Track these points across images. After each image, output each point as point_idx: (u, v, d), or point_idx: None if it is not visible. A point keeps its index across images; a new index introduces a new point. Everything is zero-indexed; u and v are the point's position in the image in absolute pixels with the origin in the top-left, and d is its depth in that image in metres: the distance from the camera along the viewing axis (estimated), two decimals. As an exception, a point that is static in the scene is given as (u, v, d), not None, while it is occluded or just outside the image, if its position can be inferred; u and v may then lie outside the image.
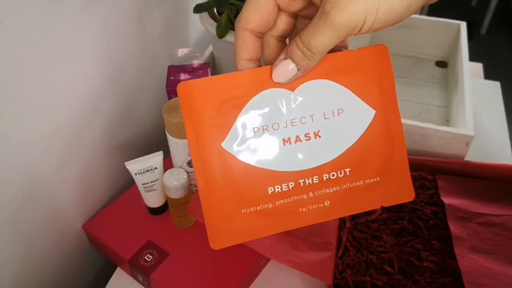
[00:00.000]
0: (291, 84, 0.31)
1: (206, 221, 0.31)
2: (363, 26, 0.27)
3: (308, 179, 0.32)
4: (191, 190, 0.56)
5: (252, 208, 0.31)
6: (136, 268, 0.53)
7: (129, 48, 0.61)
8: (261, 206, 0.31)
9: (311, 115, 0.31)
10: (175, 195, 0.53)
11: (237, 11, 0.64)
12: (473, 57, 0.85)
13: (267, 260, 0.57)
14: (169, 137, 0.52)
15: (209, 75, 0.59)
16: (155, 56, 0.68)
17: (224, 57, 0.71)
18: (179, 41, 0.77)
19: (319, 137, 0.32)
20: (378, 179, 0.33)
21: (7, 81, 0.42)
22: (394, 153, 0.33)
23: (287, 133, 0.31)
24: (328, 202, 0.32)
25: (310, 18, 0.30)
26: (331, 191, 0.32)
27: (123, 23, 0.58)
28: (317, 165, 0.32)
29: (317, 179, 0.32)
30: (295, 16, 0.32)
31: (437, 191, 0.58)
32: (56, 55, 0.47)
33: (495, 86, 0.89)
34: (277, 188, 0.31)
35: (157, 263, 0.53)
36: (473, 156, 0.64)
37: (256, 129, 0.31)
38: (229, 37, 0.63)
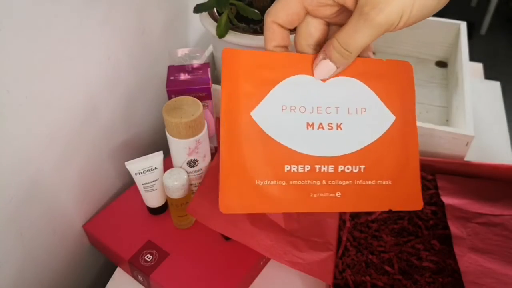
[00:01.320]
0: None
1: (221, 184, 0.32)
2: (399, 23, 0.29)
3: (324, 166, 0.33)
4: (191, 190, 0.56)
5: (266, 181, 0.32)
6: (136, 268, 0.53)
7: (129, 48, 0.61)
8: (275, 181, 0.32)
9: (337, 107, 0.33)
10: (175, 195, 0.53)
11: (237, 11, 0.64)
12: (473, 57, 0.85)
13: (267, 260, 0.57)
14: (169, 137, 0.52)
15: (209, 75, 0.59)
16: (155, 56, 0.68)
17: (224, 57, 0.71)
18: (179, 41, 0.77)
19: (341, 129, 0.33)
20: (389, 182, 0.34)
21: (7, 81, 0.42)
22: (408, 162, 0.35)
23: (312, 119, 0.33)
24: (339, 194, 0.33)
25: (341, 24, 0.32)
26: (344, 183, 0.33)
27: (123, 23, 0.58)
28: (334, 155, 0.33)
29: (332, 168, 0.33)
30: (327, 24, 0.33)
31: (437, 191, 0.58)
32: (56, 55, 0.47)
33: (495, 86, 0.89)
34: (294, 167, 0.33)
35: (157, 263, 0.53)
36: (473, 156, 0.64)
37: (284, 107, 0.33)
38: (229, 37, 0.63)
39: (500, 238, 0.51)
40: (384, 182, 0.34)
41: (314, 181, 0.33)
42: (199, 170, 0.55)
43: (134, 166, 0.54)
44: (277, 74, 0.33)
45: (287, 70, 0.33)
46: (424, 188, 0.59)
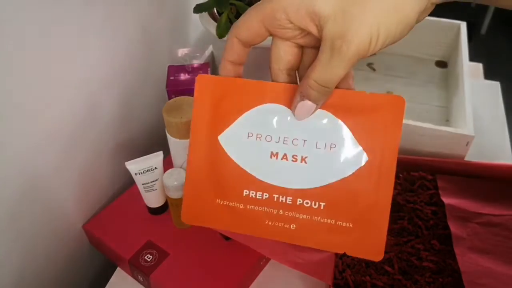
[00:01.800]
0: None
1: (185, 196, 0.34)
2: (368, 50, 0.28)
3: (282, 197, 0.33)
4: (191, 190, 0.56)
5: (226, 201, 0.34)
6: (136, 268, 0.53)
7: (129, 48, 0.61)
8: (233, 203, 0.34)
9: (304, 140, 0.33)
10: (175, 195, 0.53)
11: (237, 11, 0.64)
12: (473, 57, 0.85)
13: (267, 260, 0.57)
14: (169, 137, 0.52)
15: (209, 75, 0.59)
16: (155, 56, 0.68)
17: (224, 57, 0.71)
18: (179, 41, 0.77)
19: (305, 162, 0.33)
20: (350, 225, 0.32)
21: (7, 81, 0.42)
22: (376, 206, 0.32)
23: (277, 148, 0.33)
24: (294, 226, 0.33)
25: (310, 46, 0.32)
26: (301, 217, 0.33)
27: (123, 23, 0.58)
28: (294, 188, 0.33)
29: (290, 200, 0.33)
30: (299, 46, 0.32)
31: (437, 191, 0.58)
32: (56, 55, 0.47)
33: (495, 86, 0.89)
34: (252, 193, 0.33)
35: (157, 263, 0.53)
36: (473, 156, 0.64)
37: (250, 134, 0.33)
38: (229, 37, 0.63)
39: (500, 238, 0.51)
40: (344, 224, 0.32)
41: (270, 209, 0.33)
42: (199, 170, 0.55)
43: (134, 166, 0.54)
44: (247, 101, 0.33)
45: (258, 98, 0.33)
46: (424, 188, 0.59)
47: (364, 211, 0.32)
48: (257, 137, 0.33)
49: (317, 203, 0.33)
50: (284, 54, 0.32)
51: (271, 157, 0.33)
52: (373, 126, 0.32)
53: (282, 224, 0.33)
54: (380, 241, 0.32)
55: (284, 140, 0.33)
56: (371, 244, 0.32)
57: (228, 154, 0.33)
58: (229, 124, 0.33)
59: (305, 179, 0.33)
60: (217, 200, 0.34)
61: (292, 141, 0.33)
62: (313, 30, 0.29)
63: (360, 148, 0.32)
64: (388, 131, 0.32)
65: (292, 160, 0.33)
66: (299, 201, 0.33)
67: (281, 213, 0.33)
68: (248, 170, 0.33)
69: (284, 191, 0.33)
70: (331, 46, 0.28)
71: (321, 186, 0.33)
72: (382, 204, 0.32)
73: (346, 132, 0.32)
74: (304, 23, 0.29)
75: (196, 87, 0.34)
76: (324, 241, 0.33)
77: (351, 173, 0.32)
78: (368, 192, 0.32)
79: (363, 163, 0.32)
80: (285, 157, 0.33)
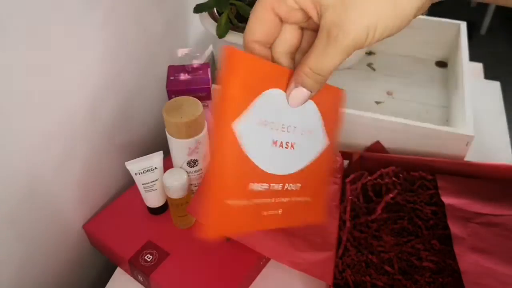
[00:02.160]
0: None
1: (211, 202, 0.29)
2: (365, 42, 0.29)
3: (277, 185, 0.33)
4: (191, 190, 0.56)
5: (232, 200, 0.30)
6: (136, 268, 0.53)
7: (129, 48, 0.61)
8: (238, 200, 0.30)
9: (295, 127, 0.33)
10: (175, 195, 0.53)
11: (237, 11, 0.64)
12: (473, 57, 0.85)
13: (267, 260, 0.57)
14: (169, 137, 0.52)
15: (209, 75, 0.59)
16: (155, 56, 0.68)
17: (224, 57, 0.71)
18: (179, 41, 0.77)
19: (293, 148, 0.34)
20: (309, 199, 0.36)
21: (7, 81, 0.42)
22: (324, 179, 0.38)
23: (277, 136, 0.32)
24: (280, 211, 0.34)
25: (311, 29, 0.32)
26: (285, 200, 0.34)
27: (123, 23, 0.58)
28: (285, 173, 0.34)
29: (280, 186, 0.33)
30: (301, 28, 0.33)
31: (437, 191, 0.58)
32: (56, 55, 0.47)
33: (495, 86, 0.89)
34: (256, 186, 0.32)
35: (157, 263, 0.53)
36: (473, 156, 0.64)
37: (261, 121, 0.31)
38: (229, 37, 0.63)
39: (500, 238, 0.51)
40: (308, 199, 0.36)
41: (267, 199, 0.33)
42: (199, 170, 0.55)
43: (134, 166, 0.54)
44: (261, 84, 0.30)
45: (267, 82, 0.31)
46: (424, 188, 0.59)
47: (318, 185, 0.37)
48: (264, 124, 0.31)
49: (296, 185, 0.35)
50: (290, 37, 0.32)
51: (272, 145, 0.32)
52: (331, 114, 0.36)
53: (274, 211, 0.33)
54: (323, 207, 0.38)
55: (282, 127, 0.32)
56: (320, 211, 0.38)
57: (241, 144, 0.29)
58: (244, 108, 0.29)
59: (292, 164, 0.34)
60: (227, 201, 0.30)
61: (287, 128, 0.33)
62: (313, 15, 0.29)
63: (325, 133, 0.36)
64: (336, 117, 0.37)
65: (285, 147, 0.33)
66: (286, 186, 0.34)
67: (273, 200, 0.33)
68: (255, 161, 0.31)
69: (278, 179, 0.33)
70: (328, 34, 0.28)
71: (301, 169, 0.35)
72: (327, 176, 0.38)
73: (319, 119, 0.35)
74: (305, 5, 0.29)
75: (227, 62, 0.28)
76: (297, 219, 0.36)
77: (318, 155, 0.36)
78: (324, 169, 0.37)
79: (325, 146, 0.36)
80: (281, 144, 0.33)
